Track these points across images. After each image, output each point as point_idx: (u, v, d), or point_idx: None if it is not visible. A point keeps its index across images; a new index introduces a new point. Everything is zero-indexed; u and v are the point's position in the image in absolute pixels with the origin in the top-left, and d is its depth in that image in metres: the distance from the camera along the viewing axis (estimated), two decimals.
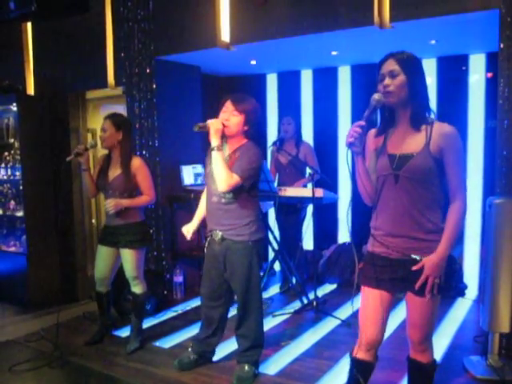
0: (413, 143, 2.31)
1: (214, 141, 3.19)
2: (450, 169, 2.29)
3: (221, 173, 3.17)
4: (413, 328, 2.44)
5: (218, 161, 3.18)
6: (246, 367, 3.48)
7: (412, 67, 2.30)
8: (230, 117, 3.27)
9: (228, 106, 3.29)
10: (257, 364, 3.56)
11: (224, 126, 3.24)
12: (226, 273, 3.44)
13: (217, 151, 3.18)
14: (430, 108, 2.37)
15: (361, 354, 2.49)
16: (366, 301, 2.45)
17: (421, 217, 2.30)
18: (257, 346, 3.53)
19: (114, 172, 3.91)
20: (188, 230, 3.61)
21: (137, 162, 3.91)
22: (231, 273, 3.41)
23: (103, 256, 4.05)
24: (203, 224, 3.61)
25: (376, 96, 2.31)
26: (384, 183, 2.37)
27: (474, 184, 5.26)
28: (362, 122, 2.27)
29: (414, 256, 2.32)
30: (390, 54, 2.34)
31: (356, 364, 2.51)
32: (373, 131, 2.50)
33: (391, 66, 2.30)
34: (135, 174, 3.88)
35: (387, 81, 2.29)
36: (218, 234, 3.37)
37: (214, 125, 3.20)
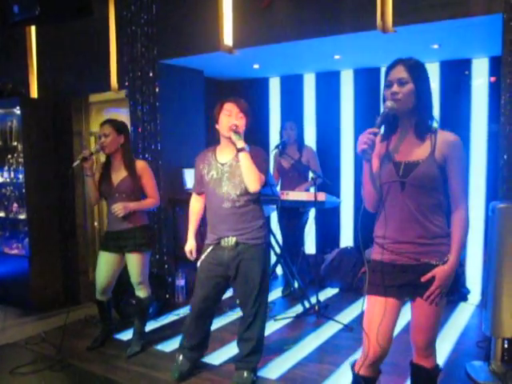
0: (418, 151, 2.33)
1: (242, 142, 3.22)
2: (453, 176, 2.31)
3: (253, 173, 3.19)
4: (418, 333, 2.44)
5: (248, 162, 3.20)
6: (245, 374, 3.45)
7: (420, 75, 2.31)
8: (238, 120, 3.29)
9: (232, 110, 3.30)
10: (255, 371, 3.53)
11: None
12: (235, 279, 3.38)
13: (246, 152, 3.21)
14: (433, 116, 2.37)
15: (364, 371, 2.45)
16: (373, 310, 2.41)
17: (427, 222, 2.32)
18: (257, 352, 3.50)
19: (119, 175, 3.90)
20: (191, 250, 3.57)
21: (142, 164, 3.95)
22: (245, 277, 3.35)
23: (106, 263, 4.00)
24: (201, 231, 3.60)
25: (389, 103, 2.29)
26: (389, 190, 2.38)
27: (477, 189, 5.25)
28: (376, 130, 2.26)
29: (423, 260, 2.34)
30: (399, 60, 2.33)
31: (359, 381, 2.48)
32: (378, 137, 2.47)
33: (400, 73, 2.29)
34: (140, 176, 3.91)
35: (396, 88, 2.29)
36: (232, 240, 3.32)
37: (241, 127, 3.27)
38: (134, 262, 3.92)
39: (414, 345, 2.49)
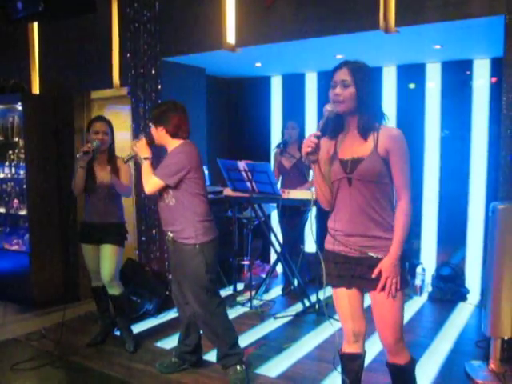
0: (362, 147, 2.41)
1: (141, 154, 3.46)
2: (395, 168, 2.39)
3: (143, 178, 3.43)
4: (384, 329, 2.47)
5: (143, 169, 3.44)
6: (238, 367, 3.47)
7: (364, 79, 2.38)
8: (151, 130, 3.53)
9: None
10: (244, 362, 3.53)
11: (153, 139, 3.50)
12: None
13: (144, 161, 3.44)
14: (379, 116, 2.44)
15: (348, 349, 2.58)
16: (337, 300, 2.55)
17: (376, 216, 2.41)
18: (234, 345, 3.51)
19: (103, 171, 4.00)
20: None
21: (120, 160, 4.01)
22: (180, 276, 3.48)
23: (89, 253, 4.08)
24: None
25: (328, 107, 2.39)
26: (339, 187, 2.47)
27: (478, 189, 5.27)
28: (318, 133, 2.35)
29: (370, 254, 2.41)
30: (344, 63, 2.42)
31: (346, 359, 2.59)
32: (325, 138, 2.55)
33: (344, 75, 2.37)
34: (118, 170, 4.01)
35: (338, 90, 2.37)
36: (170, 236, 3.45)
37: (138, 147, 3.48)
38: (108, 255, 3.95)
39: (383, 344, 2.53)
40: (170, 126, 3.42)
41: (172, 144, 3.45)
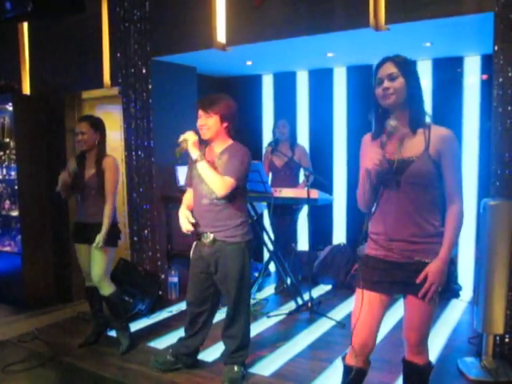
0: (412, 147, 2.32)
1: (194, 153, 3.26)
2: (448, 171, 2.30)
3: (213, 180, 3.21)
4: (411, 330, 2.44)
5: (205, 170, 3.23)
6: (236, 368, 3.48)
7: (409, 70, 2.32)
8: (205, 121, 3.28)
9: (200, 113, 3.31)
10: (244, 365, 3.55)
11: (201, 132, 3.30)
12: (216, 275, 3.43)
13: (200, 161, 3.24)
14: (425, 111, 2.37)
15: (353, 361, 2.49)
16: (360, 304, 2.44)
17: (422, 220, 2.32)
18: (244, 347, 3.53)
19: (90, 171, 3.95)
20: (187, 216, 3.40)
21: (109, 161, 3.96)
22: (224, 275, 3.39)
23: (81, 253, 4.07)
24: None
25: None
26: (384, 189, 2.38)
27: (469, 186, 5.28)
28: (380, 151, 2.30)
29: (416, 258, 2.33)
30: (387, 58, 2.35)
31: (348, 371, 2.52)
32: (368, 136, 2.50)
33: (390, 69, 2.30)
34: (104, 171, 3.92)
35: (387, 83, 2.29)
36: (210, 236, 3.35)
37: (190, 138, 3.26)
38: (97, 256, 3.91)
39: (406, 341, 2.50)
40: (234, 125, 3.34)
41: (225, 142, 3.36)
